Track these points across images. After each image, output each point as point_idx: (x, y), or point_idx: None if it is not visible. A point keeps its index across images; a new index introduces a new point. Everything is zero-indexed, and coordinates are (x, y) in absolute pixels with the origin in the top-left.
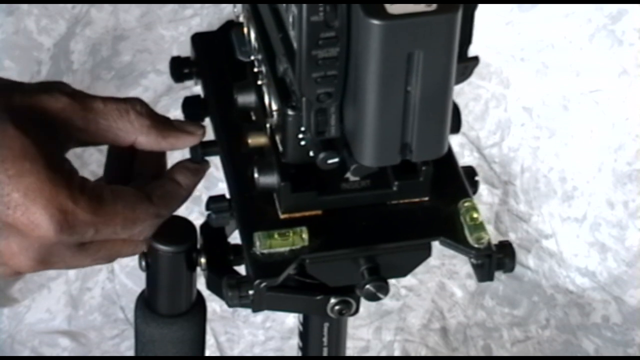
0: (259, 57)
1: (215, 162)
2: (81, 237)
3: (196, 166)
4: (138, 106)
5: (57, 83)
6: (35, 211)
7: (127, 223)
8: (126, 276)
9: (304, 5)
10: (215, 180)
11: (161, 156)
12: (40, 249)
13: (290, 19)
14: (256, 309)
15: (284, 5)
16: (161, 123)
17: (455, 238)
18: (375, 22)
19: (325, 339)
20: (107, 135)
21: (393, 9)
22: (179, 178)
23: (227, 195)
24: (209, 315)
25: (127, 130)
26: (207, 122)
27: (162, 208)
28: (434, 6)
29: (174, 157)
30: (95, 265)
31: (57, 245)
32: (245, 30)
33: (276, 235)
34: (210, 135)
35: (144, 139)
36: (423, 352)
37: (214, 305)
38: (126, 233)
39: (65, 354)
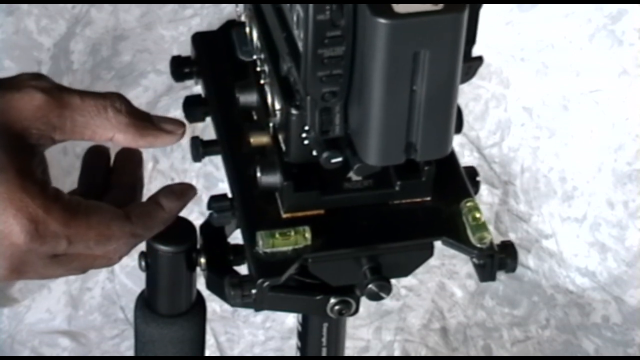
0: (262, 56)
1: (215, 162)
2: (53, 249)
3: (182, 189)
4: (117, 103)
5: (33, 77)
6: (6, 220)
7: (100, 239)
8: (126, 276)
9: (310, 5)
10: (215, 180)
11: (137, 166)
12: (12, 258)
13: (295, 18)
14: (258, 308)
15: (288, 4)
16: (140, 121)
17: (458, 238)
18: (382, 21)
19: (324, 339)
20: (84, 132)
21: (400, 8)
22: (162, 200)
23: (229, 195)
24: (209, 315)
25: (104, 127)
26: (206, 121)
27: (139, 228)
28: (440, 5)
29: (173, 157)
30: (68, 275)
31: (29, 255)
32: (248, 29)
33: (279, 235)
34: (211, 134)
35: (122, 137)
36: (423, 352)
37: (214, 305)
38: (100, 249)
39: (65, 354)
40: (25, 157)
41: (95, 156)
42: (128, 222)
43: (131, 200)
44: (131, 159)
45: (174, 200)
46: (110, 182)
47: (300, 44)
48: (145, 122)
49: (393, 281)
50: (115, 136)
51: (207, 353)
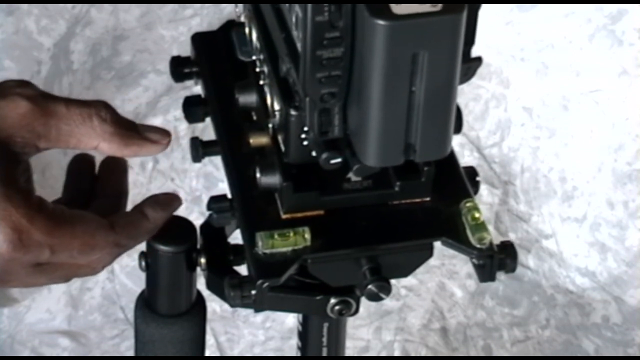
0: (261, 57)
1: (215, 162)
2: (36, 258)
3: (167, 199)
4: (102, 111)
5: (19, 84)
6: None
7: (84, 248)
8: (126, 276)
9: (309, 5)
10: (215, 181)
11: (122, 175)
12: None
13: (294, 19)
14: (258, 309)
15: (287, 5)
16: (125, 130)
17: (457, 238)
18: (381, 22)
19: (324, 339)
20: (69, 140)
21: (398, 9)
22: (146, 210)
23: (229, 195)
24: (209, 315)
25: (89, 136)
26: (206, 121)
27: (124, 238)
28: (439, 6)
29: (173, 157)
30: (52, 284)
31: (12, 264)
32: (247, 30)
33: (278, 236)
34: (211, 134)
35: (106, 146)
36: (423, 352)
37: (214, 305)
38: (84, 259)
39: (65, 354)
40: (9, 165)
41: (80, 165)
42: (112, 232)
43: (116, 210)
44: (116, 168)
45: (158, 210)
46: (95, 191)
47: (299, 45)
48: (130, 131)
49: (393, 281)
50: (100, 145)
51: (207, 353)
